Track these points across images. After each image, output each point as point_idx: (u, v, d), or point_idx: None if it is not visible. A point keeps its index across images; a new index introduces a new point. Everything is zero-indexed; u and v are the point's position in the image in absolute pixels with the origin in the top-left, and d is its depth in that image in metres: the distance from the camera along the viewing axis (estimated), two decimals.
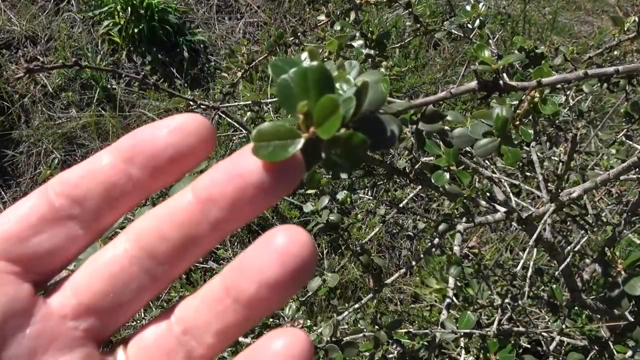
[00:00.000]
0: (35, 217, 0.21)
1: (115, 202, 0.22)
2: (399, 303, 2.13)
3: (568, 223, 1.34)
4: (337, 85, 0.31)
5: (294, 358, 0.19)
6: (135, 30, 2.72)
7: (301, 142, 0.26)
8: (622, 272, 0.59)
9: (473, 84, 0.41)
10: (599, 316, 1.10)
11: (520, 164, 1.24)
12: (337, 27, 0.97)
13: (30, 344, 0.20)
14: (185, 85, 2.76)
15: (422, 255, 0.93)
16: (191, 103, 0.77)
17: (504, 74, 1.16)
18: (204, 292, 0.22)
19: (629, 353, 0.66)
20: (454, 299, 1.21)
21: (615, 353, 0.90)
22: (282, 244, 0.20)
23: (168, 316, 0.22)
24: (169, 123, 0.21)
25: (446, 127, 0.57)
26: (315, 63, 0.26)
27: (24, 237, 0.21)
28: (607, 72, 0.41)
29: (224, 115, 1.10)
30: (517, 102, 0.45)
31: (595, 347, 1.06)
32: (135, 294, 0.21)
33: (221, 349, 0.21)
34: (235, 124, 1.37)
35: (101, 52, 2.81)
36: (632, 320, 0.72)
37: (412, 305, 2.08)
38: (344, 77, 0.31)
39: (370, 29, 0.96)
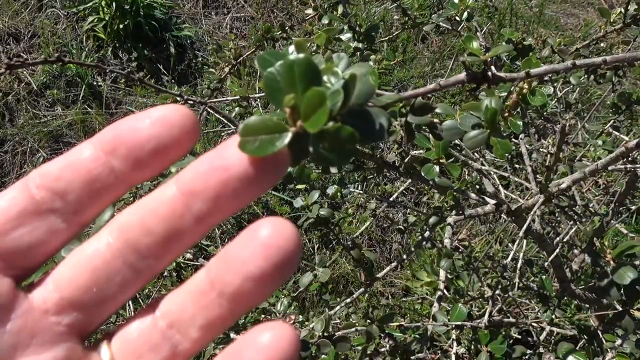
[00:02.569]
0: (16, 211, 0.21)
1: (97, 195, 0.21)
2: (390, 297, 2.14)
3: (557, 214, 1.36)
4: (325, 78, 0.30)
5: (280, 352, 0.19)
6: (121, 26, 2.68)
7: (289, 136, 0.26)
8: (611, 262, 0.60)
9: (462, 75, 0.41)
10: (587, 306, 1.11)
11: (509, 156, 1.25)
12: (325, 21, 0.96)
13: (11, 340, 0.20)
14: (173, 81, 2.73)
15: (413, 249, 0.93)
16: (178, 99, 0.76)
17: (492, 67, 1.16)
18: (189, 285, 0.21)
19: (618, 341, 0.66)
20: (445, 291, 1.22)
21: (605, 342, 0.91)
22: (267, 237, 0.20)
23: (153, 310, 0.22)
24: (151, 114, 0.21)
25: (435, 120, 0.57)
26: (301, 55, 0.25)
27: (4, 230, 0.21)
28: (595, 63, 0.41)
29: (212, 111, 1.09)
30: (506, 93, 0.45)
31: (585, 337, 1.07)
32: (119, 288, 0.21)
33: (206, 342, 0.21)
34: (224, 119, 1.36)
35: (86, 49, 2.77)
36: (621, 309, 0.73)
37: (404, 299, 2.09)
38: (332, 70, 0.31)
39: (359, 23, 0.96)
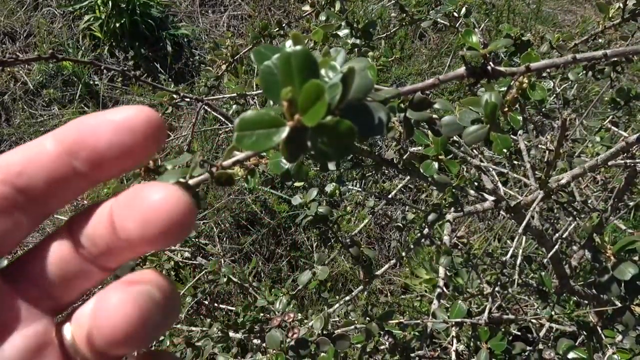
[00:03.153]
0: None
1: (60, 191, 0.21)
2: (389, 294, 2.14)
3: (555, 211, 1.35)
4: (323, 72, 0.30)
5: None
6: (117, 25, 2.67)
7: (286, 131, 0.25)
8: (612, 258, 0.59)
9: (461, 70, 0.40)
10: (586, 302, 1.11)
11: (508, 152, 1.24)
12: (323, 18, 0.96)
13: None
14: (170, 79, 2.72)
15: (411, 246, 0.93)
16: (175, 96, 0.75)
17: (491, 63, 1.15)
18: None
19: (619, 337, 0.66)
20: (444, 288, 1.22)
21: (604, 338, 0.91)
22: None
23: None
24: (114, 117, 0.21)
25: (434, 116, 0.56)
26: (299, 48, 0.25)
27: None
28: (595, 56, 0.41)
29: (209, 109, 1.09)
30: (506, 88, 0.45)
31: (584, 333, 1.07)
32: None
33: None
34: (221, 117, 1.35)
35: (82, 48, 2.76)
36: (620, 305, 0.73)
37: (403, 296, 2.09)
38: (330, 64, 0.30)
39: (356, 19, 0.95)
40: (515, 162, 1.31)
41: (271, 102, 0.29)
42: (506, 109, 0.49)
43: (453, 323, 0.76)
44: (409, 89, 0.41)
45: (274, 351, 0.62)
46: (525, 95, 0.46)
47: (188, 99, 0.71)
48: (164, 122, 0.22)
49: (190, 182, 0.39)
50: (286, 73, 0.24)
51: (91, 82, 2.69)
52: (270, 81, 0.25)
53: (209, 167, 0.39)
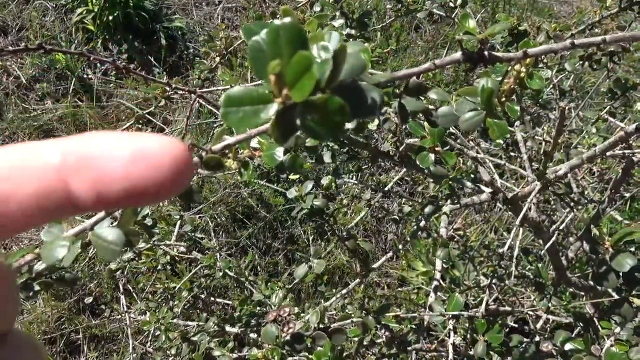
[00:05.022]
0: None
1: (42, 212, 0.18)
2: (386, 287, 2.14)
3: (552, 202, 1.35)
4: (315, 51, 0.29)
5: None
6: (110, 18, 2.64)
7: (274, 107, 0.24)
8: (610, 250, 0.59)
9: (458, 55, 0.39)
10: (583, 294, 1.11)
11: (505, 144, 1.24)
12: (317, 8, 0.95)
13: None
14: (164, 73, 2.70)
15: (408, 239, 0.93)
16: (168, 89, 0.74)
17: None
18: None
19: (618, 329, 0.66)
20: (441, 281, 1.21)
21: (601, 329, 0.91)
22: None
23: None
24: (138, 145, 0.17)
25: (431, 107, 0.56)
26: (287, 20, 0.24)
27: None
28: (594, 42, 0.40)
29: (204, 102, 1.07)
30: (502, 75, 0.44)
31: (581, 324, 1.07)
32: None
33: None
34: (216, 110, 1.34)
35: (76, 41, 2.73)
36: (618, 297, 0.73)
37: (400, 289, 2.09)
38: (322, 44, 0.29)
39: (352, 10, 0.94)
40: (512, 153, 1.30)
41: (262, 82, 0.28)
42: (503, 99, 0.48)
43: (450, 316, 0.75)
44: (405, 73, 0.40)
45: (270, 346, 0.61)
46: (523, 85, 0.45)
47: (181, 92, 0.70)
48: (190, 158, 0.18)
49: None
50: (275, 47, 0.23)
51: (85, 76, 2.67)
52: (259, 57, 0.24)
53: (198, 151, 0.38)
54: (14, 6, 2.78)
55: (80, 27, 2.73)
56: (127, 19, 2.69)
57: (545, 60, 0.87)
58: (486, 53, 0.39)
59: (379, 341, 0.81)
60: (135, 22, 2.70)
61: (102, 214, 0.36)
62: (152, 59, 2.70)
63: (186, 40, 2.85)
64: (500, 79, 0.50)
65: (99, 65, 2.62)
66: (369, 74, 0.42)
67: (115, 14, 2.64)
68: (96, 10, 2.66)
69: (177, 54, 2.78)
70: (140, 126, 1.07)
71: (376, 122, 0.66)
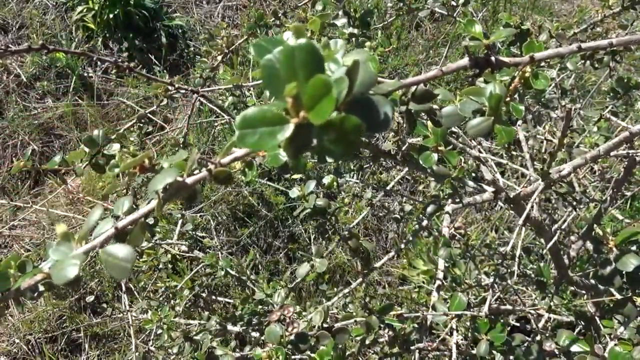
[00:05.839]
0: None
1: None
2: (387, 286, 2.14)
3: (553, 201, 1.35)
4: (325, 65, 0.29)
5: None
6: (110, 16, 2.64)
7: (290, 128, 0.24)
8: (614, 249, 0.59)
9: (464, 61, 0.39)
10: (584, 292, 1.11)
11: (506, 143, 1.24)
12: (319, 7, 0.94)
13: None
14: (164, 71, 2.70)
15: (409, 238, 0.93)
16: (170, 88, 0.74)
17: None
18: None
19: (621, 329, 0.66)
20: (443, 280, 1.21)
21: (602, 328, 0.91)
22: None
23: None
24: None
25: (435, 106, 0.56)
26: (303, 41, 0.24)
27: None
28: (601, 45, 0.40)
29: (204, 101, 1.07)
30: (510, 78, 0.44)
31: (582, 323, 1.07)
32: None
33: None
34: (217, 109, 1.34)
35: (76, 39, 2.72)
36: (618, 295, 0.73)
37: (400, 288, 2.09)
38: (332, 57, 0.29)
39: (353, 9, 0.94)
40: (513, 152, 1.30)
41: (267, 94, 0.28)
42: (508, 99, 0.48)
43: (453, 315, 0.75)
44: (412, 81, 0.40)
45: (274, 345, 0.61)
46: (528, 85, 0.45)
47: (183, 91, 0.70)
48: None
49: (188, 180, 0.38)
50: (289, 68, 0.23)
51: (85, 74, 2.67)
52: (272, 76, 0.24)
53: (206, 164, 0.38)
54: (14, 4, 2.77)
55: (81, 25, 2.73)
56: (128, 17, 2.69)
57: (547, 60, 0.87)
58: (493, 58, 0.39)
59: (381, 340, 0.81)
60: (135, 20, 2.70)
61: (110, 231, 0.35)
62: (153, 57, 2.70)
63: (186, 38, 2.85)
64: (505, 78, 0.50)
65: (99, 63, 2.62)
66: (377, 82, 0.42)
67: (116, 12, 2.64)
68: (96, 8, 2.65)
69: (178, 52, 2.78)
70: (141, 125, 1.07)
71: None
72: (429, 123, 0.66)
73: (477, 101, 0.49)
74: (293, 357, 0.80)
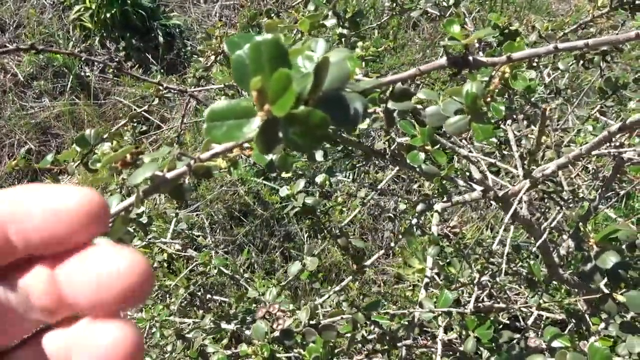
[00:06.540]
0: None
1: None
2: (382, 284, 2.15)
3: (546, 200, 1.36)
4: (300, 62, 0.30)
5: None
6: (107, 15, 2.64)
7: (257, 121, 0.25)
8: (594, 247, 0.60)
9: (442, 60, 0.40)
10: (577, 290, 1.12)
11: (498, 142, 1.24)
12: (311, 7, 0.95)
13: None
14: (161, 71, 2.70)
15: (400, 237, 0.93)
16: (161, 87, 0.75)
17: (480, 52, 1.15)
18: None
19: (602, 325, 0.67)
20: (437, 278, 1.22)
21: (592, 325, 0.92)
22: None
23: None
24: (50, 199, 0.20)
25: (419, 106, 0.56)
26: (269, 36, 0.24)
27: None
28: (577, 46, 0.41)
29: (199, 101, 1.08)
30: (488, 78, 0.45)
31: (573, 320, 1.08)
32: None
33: None
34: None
35: (73, 39, 2.73)
36: (606, 293, 0.73)
37: (395, 286, 2.10)
38: (306, 54, 0.30)
39: (348, 9, 0.94)
40: (506, 152, 1.31)
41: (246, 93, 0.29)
42: (489, 99, 0.49)
43: (439, 312, 0.76)
44: (390, 79, 0.40)
45: (260, 342, 0.62)
46: (507, 85, 0.46)
47: (172, 91, 0.70)
48: (106, 207, 0.20)
49: (168, 175, 0.39)
50: (256, 62, 0.24)
51: (82, 74, 2.67)
52: (242, 71, 0.25)
53: (187, 160, 0.39)
54: (12, 3, 2.78)
55: (78, 24, 2.73)
56: (125, 16, 2.69)
57: (536, 61, 0.88)
58: (470, 58, 0.39)
59: (370, 337, 0.82)
60: (132, 19, 2.70)
61: None
62: (150, 57, 2.70)
63: (183, 37, 2.86)
64: (485, 79, 0.51)
65: (96, 62, 2.62)
66: (355, 80, 0.43)
67: (113, 11, 2.64)
68: (93, 7, 2.66)
69: (175, 51, 2.78)
70: (135, 124, 1.08)
71: (367, 121, 0.67)
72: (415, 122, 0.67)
73: (460, 101, 0.50)
74: (284, 355, 0.80)
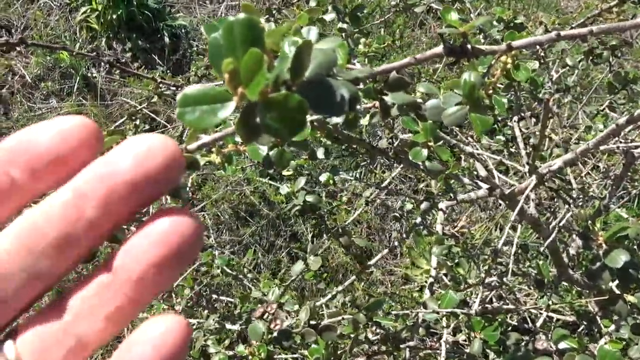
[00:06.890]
0: None
1: None
2: (390, 285, 2.13)
3: (555, 199, 1.33)
4: (286, 47, 0.28)
5: (170, 344, 0.20)
6: (114, 16, 2.65)
7: (232, 106, 0.23)
8: (603, 245, 0.57)
9: (439, 48, 0.38)
10: (587, 291, 1.09)
11: (505, 139, 1.22)
12: (313, 3, 0.94)
13: None
14: (168, 71, 2.70)
15: (404, 236, 0.92)
16: (160, 86, 0.74)
17: (481, 40, 1.12)
18: (94, 280, 0.21)
19: (612, 327, 0.64)
20: (445, 278, 1.20)
21: (603, 327, 0.89)
22: (166, 226, 0.21)
23: (59, 305, 0.21)
24: (50, 126, 0.21)
25: (419, 100, 0.55)
26: (242, 15, 0.23)
27: None
28: (580, 33, 0.39)
29: None
30: (487, 68, 0.43)
31: (584, 322, 1.05)
32: (15, 291, 0.20)
33: (114, 332, 0.21)
34: None
35: (80, 40, 2.74)
36: (617, 293, 0.71)
37: (403, 287, 2.08)
38: (293, 39, 0.29)
39: (347, 4, 0.93)
40: (514, 150, 1.28)
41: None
42: (490, 91, 0.47)
43: (444, 313, 0.74)
44: (384, 68, 0.39)
45: (257, 343, 0.61)
46: (509, 76, 0.44)
47: (169, 86, 0.69)
48: (100, 131, 0.21)
49: None
50: (229, 43, 0.23)
51: (89, 75, 2.68)
52: (216, 54, 0.24)
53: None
54: (19, 5, 2.80)
55: (85, 25, 2.75)
56: (131, 17, 2.70)
57: (541, 54, 0.86)
58: (469, 46, 0.38)
59: (374, 338, 0.80)
60: (138, 20, 2.71)
61: None
62: (156, 57, 2.71)
63: (189, 38, 2.86)
64: (485, 70, 0.49)
65: (103, 63, 2.63)
66: (348, 69, 0.41)
67: (119, 13, 2.65)
68: (100, 8, 2.67)
69: (181, 51, 2.79)
70: (137, 123, 1.07)
71: (367, 118, 0.66)
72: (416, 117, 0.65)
73: (460, 94, 0.48)
74: (285, 356, 0.79)
